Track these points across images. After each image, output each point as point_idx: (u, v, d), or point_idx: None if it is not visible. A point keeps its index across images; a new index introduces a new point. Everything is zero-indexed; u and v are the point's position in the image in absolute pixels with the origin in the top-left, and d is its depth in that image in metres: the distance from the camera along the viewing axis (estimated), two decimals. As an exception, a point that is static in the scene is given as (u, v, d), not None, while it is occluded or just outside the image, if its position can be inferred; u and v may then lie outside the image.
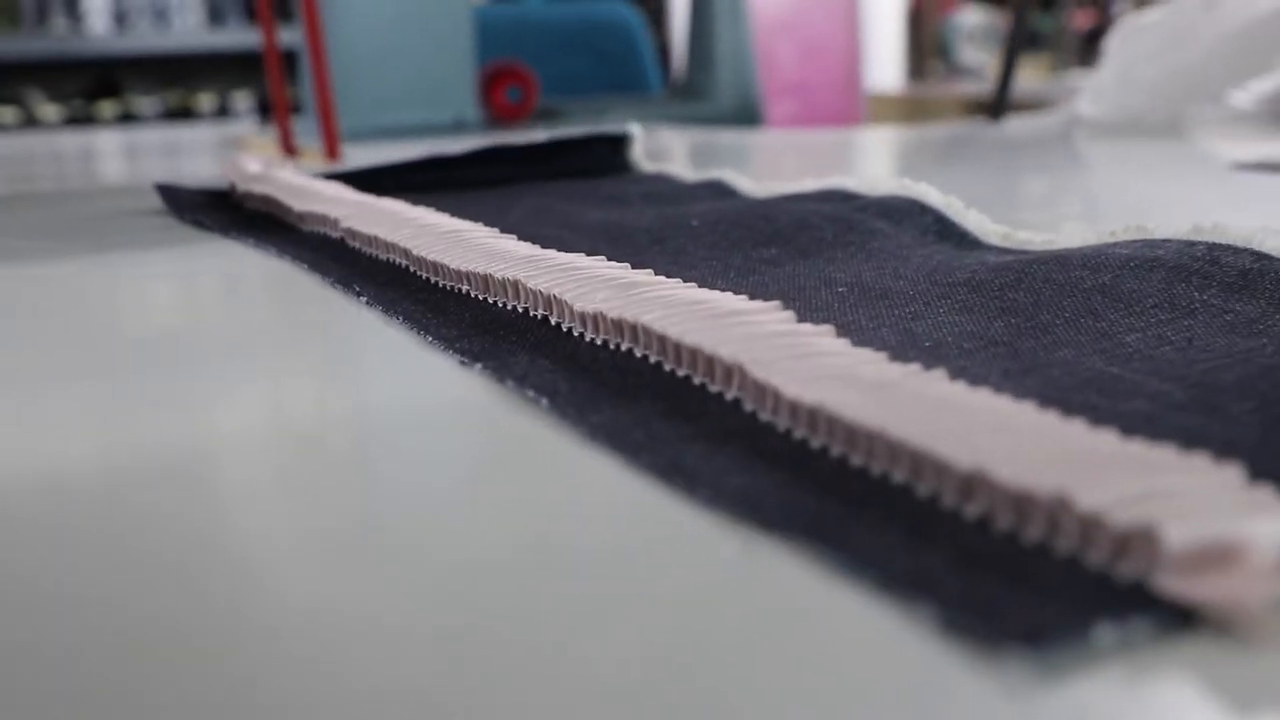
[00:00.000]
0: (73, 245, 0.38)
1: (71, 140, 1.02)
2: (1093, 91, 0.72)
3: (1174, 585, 0.13)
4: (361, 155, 0.72)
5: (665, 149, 0.66)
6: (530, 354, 0.23)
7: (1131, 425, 0.18)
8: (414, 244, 0.30)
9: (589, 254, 0.30)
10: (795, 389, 0.18)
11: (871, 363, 0.19)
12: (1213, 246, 0.27)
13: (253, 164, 0.44)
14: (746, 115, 0.95)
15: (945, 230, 0.33)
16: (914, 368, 0.19)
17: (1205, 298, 0.25)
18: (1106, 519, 0.13)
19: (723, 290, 0.27)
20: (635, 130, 0.49)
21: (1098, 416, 0.18)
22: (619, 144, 0.48)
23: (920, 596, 0.13)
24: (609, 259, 0.29)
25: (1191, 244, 0.27)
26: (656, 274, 0.28)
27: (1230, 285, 0.25)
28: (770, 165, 0.62)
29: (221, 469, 0.19)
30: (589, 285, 0.25)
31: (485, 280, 0.27)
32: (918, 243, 0.32)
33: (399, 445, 0.19)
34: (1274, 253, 0.26)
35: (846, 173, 0.39)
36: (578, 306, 0.24)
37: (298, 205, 0.37)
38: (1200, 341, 0.22)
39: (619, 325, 0.22)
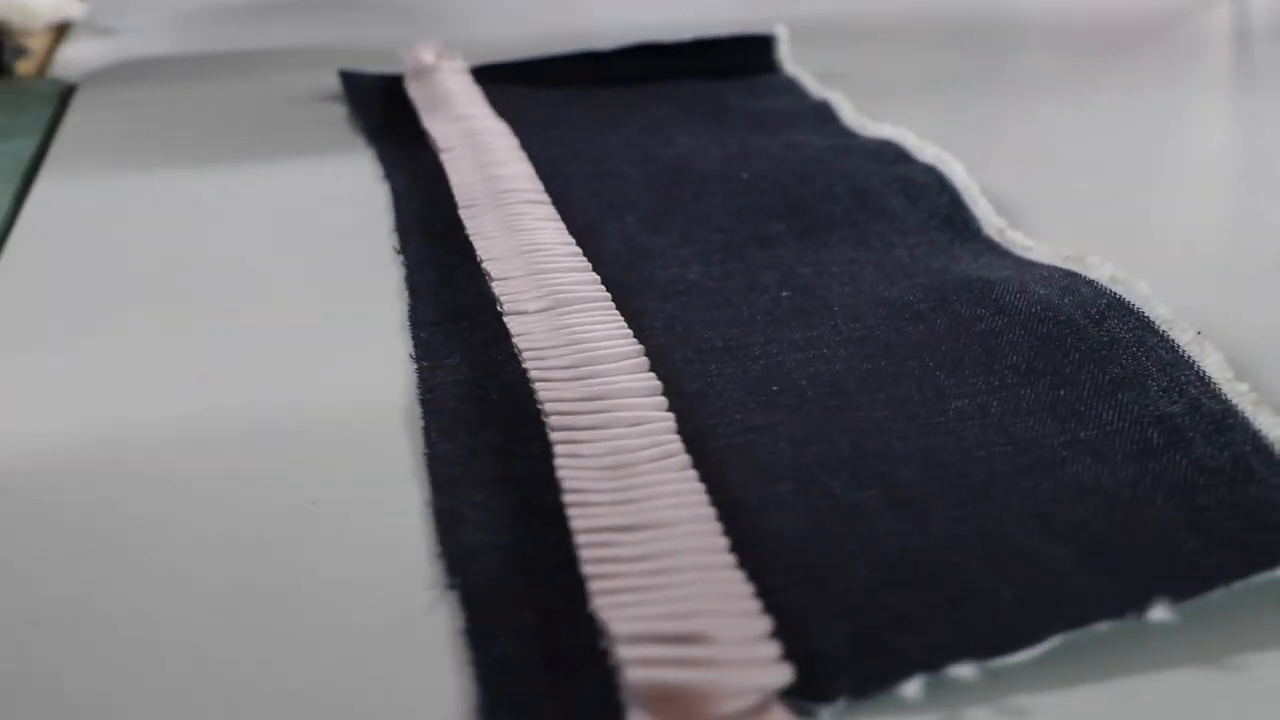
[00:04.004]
0: (215, 144, 0.45)
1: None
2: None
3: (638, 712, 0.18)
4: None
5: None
6: (461, 356, 0.29)
7: (828, 521, 0.22)
8: (463, 201, 0.36)
9: (631, 202, 0.35)
10: (561, 461, 0.24)
11: (642, 439, 0.24)
12: (1112, 303, 0.29)
13: (427, 54, 0.50)
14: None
15: (952, 215, 0.36)
16: (660, 452, 0.24)
17: (1060, 361, 0.27)
18: (617, 652, 0.19)
19: (702, 271, 0.32)
20: (781, 31, 0.51)
21: (831, 503, 0.23)
22: (765, 44, 0.51)
23: (478, 685, 0.19)
24: (643, 212, 0.35)
25: (1100, 294, 0.29)
26: (671, 240, 0.34)
27: (1092, 352, 0.27)
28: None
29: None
30: (531, 294, 0.30)
31: (479, 259, 0.33)
32: (917, 228, 0.35)
33: (264, 446, 0.26)
34: (1159, 323, 0.28)
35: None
36: (505, 314, 0.29)
37: (425, 120, 0.43)
38: (1007, 420, 0.26)
39: (516, 348, 0.28)
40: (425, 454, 0.25)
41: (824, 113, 0.45)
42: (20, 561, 0.22)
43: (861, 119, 0.44)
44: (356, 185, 0.40)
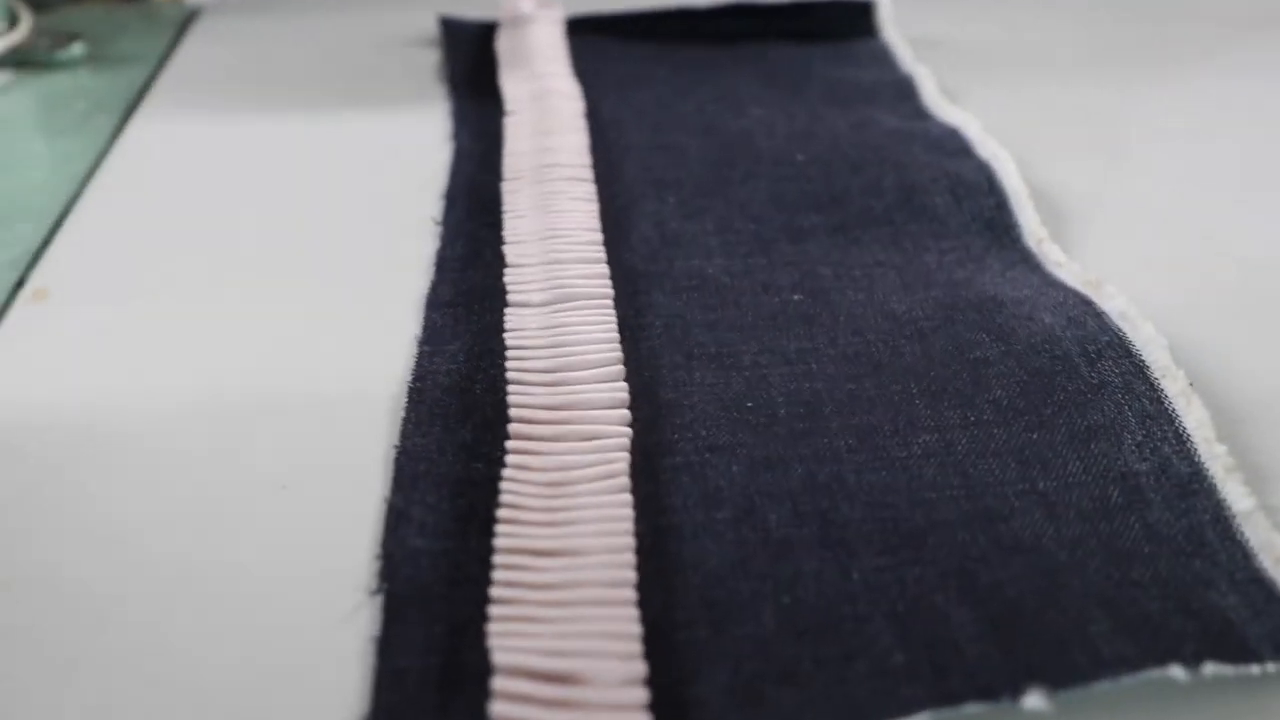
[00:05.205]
0: (305, 88, 0.46)
1: None
2: None
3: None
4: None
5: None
6: (463, 343, 0.30)
7: (754, 556, 0.23)
8: (509, 172, 0.37)
9: (679, 180, 0.36)
10: (508, 473, 0.25)
11: (591, 455, 0.25)
12: (1113, 342, 0.28)
13: (526, 2, 0.50)
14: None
15: (995, 220, 0.35)
16: (603, 471, 0.24)
17: (1043, 401, 0.27)
18: (492, 683, 0.20)
19: (723, 264, 0.32)
20: (884, -1, 0.50)
21: (762, 537, 0.23)
22: (864, 9, 0.50)
23: (371, 695, 0.20)
24: (687, 192, 0.35)
25: (1104, 330, 0.29)
26: (704, 227, 0.34)
27: (1077, 394, 0.27)
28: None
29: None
30: (538, 285, 0.31)
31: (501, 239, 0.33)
32: (956, 231, 0.34)
33: (254, 422, 0.27)
34: (1153, 369, 0.27)
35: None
36: (509, 304, 0.30)
37: (502, 76, 0.44)
38: (969, 461, 0.26)
39: (504, 343, 0.29)
40: (396, 447, 0.26)
41: (905, 89, 0.44)
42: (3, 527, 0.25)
43: (940, 99, 0.43)
44: (428, 142, 0.41)
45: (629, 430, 0.26)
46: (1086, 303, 0.30)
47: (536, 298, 0.30)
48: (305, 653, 0.22)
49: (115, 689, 0.21)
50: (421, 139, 0.41)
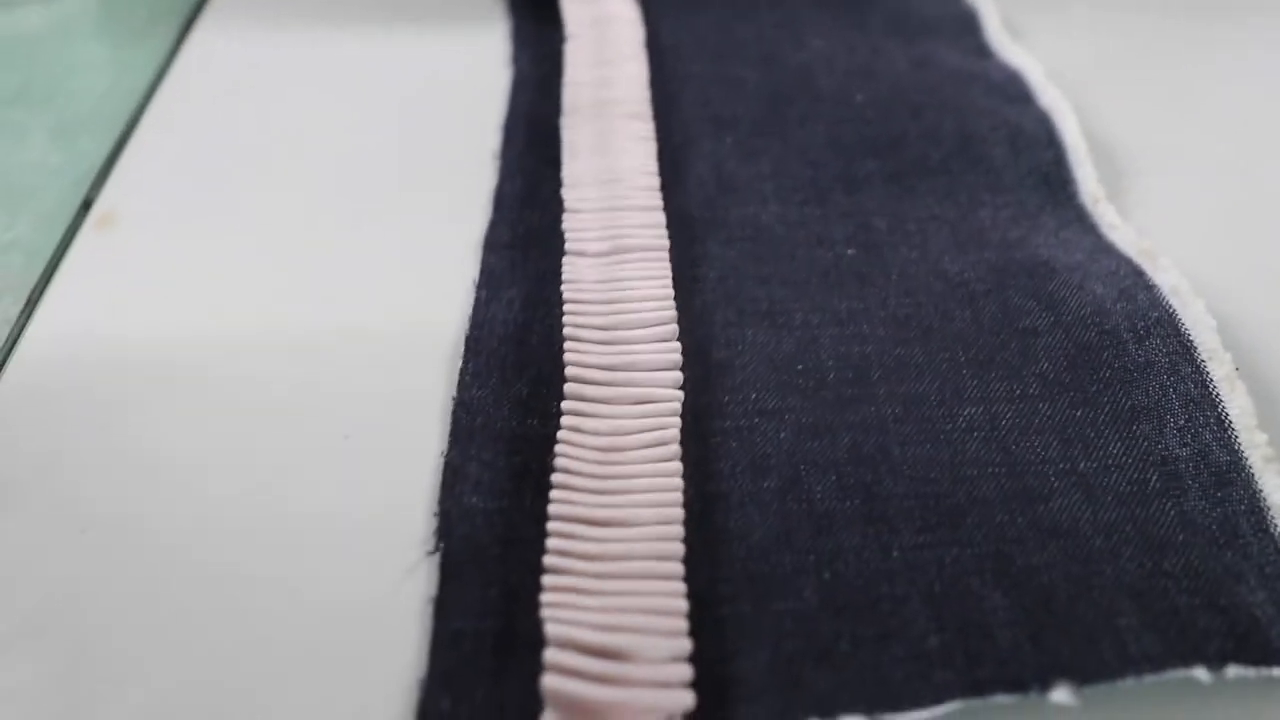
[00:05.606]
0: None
1: None
2: None
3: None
4: None
5: None
6: (520, 289, 0.30)
7: (798, 528, 0.24)
8: (568, 105, 0.37)
9: (737, 117, 0.36)
10: (562, 435, 0.25)
11: (643, 419, 0.26)
12: (1162, 319, 0.28)
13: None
14: None
15: (1051, 175, 0.35)
16: (654, 438, 0.25)
17: (1089, 378, 0.27)
18: (544, 654, 0.21)
19: (778, 213, 0.32)
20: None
21: (806, 509, 0.24)
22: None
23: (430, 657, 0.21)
24: (744, 131, 0.35)
25: (1154, 305, 0.29)
26: (760, 170, 0.34)
27: (1124, 372, 0.27)
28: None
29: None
30: (595, 233, 0.31)
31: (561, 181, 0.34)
32: (1011, 185, 0.34)
33: (315, 366, 0.28)
34: (1200, 350, 0.27)
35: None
36: (566, 253, 0.31)
37: (564, -1, 0.44)
38: (1013, 438, 0.26)
39: (562, 295, 0.29)
40: (454, 398, 0.27)
41: (968, 22, 0.43)
42: (71, 467, 0.26)
43: (1003, 35, 0.42)
44: (490, 59, 0.41)
45: (680, 394, 0.26)
46: (1139, 273, 0.30)
47: (593, 247, 0.31)
48: (365, 611, 0.23)
49: (181, 633, 0.22)
50: (483, 58, 0.41)
